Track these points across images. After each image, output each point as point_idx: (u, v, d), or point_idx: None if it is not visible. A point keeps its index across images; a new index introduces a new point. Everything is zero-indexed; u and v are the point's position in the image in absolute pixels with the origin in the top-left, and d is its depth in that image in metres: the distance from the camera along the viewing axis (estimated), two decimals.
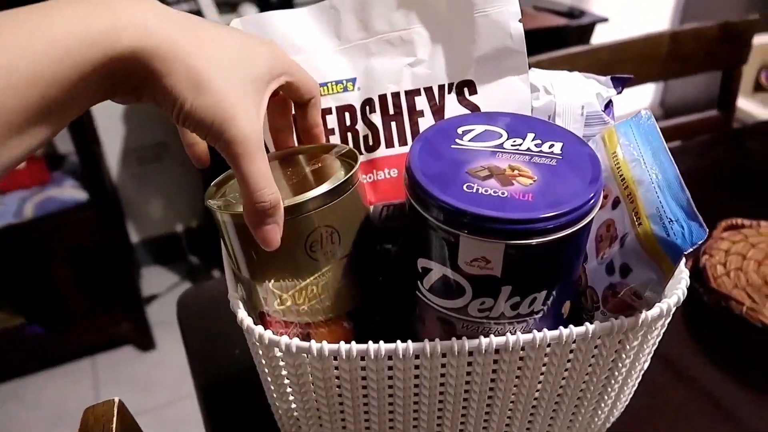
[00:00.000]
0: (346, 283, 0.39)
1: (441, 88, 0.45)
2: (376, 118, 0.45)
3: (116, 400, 0.43)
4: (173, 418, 1.47)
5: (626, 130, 0.42)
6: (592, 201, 0.34)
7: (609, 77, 0.47)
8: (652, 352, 0.43)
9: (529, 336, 0.36)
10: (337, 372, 0.38)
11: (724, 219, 0.76)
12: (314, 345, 0.36)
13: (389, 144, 0.45)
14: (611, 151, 0.42)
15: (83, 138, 1.42)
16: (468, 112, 0.44)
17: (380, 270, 0.43)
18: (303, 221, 0.36)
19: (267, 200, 0.32)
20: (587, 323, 0.37)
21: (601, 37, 1.67)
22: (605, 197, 0.40)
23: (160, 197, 1.93)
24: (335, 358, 0.37)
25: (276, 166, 0.42)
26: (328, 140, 0.44)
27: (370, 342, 0.36)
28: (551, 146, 0.38)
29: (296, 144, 0.44)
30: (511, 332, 0.37)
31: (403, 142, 0.45)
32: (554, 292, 0.37)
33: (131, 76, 0.29)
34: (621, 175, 0.40)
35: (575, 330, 0.37)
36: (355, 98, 0.45)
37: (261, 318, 0.40)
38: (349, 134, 0.45)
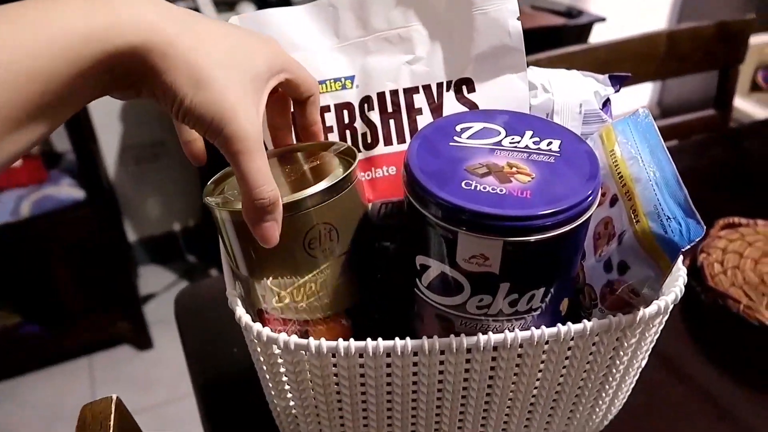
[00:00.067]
0: (344, 280, 0.39)
1: (439, 85, 0.45)
2: (375, 116, 0.45)
3: (114, 397, 0.42)
4: (171, 417, 1.47)
5: (624, 128, 0.42)
6: (590, 198, 0.34)
7: (607, 75, 0.47)
8: (650, 350, 0.43)
9: (527, 333, 0.36)
10: (336, 369, 0.38)
11: (721, 218, 0.76)
12: (312, 342, 0.36)
13: (388, 142, 0.45)
14: (609, 148, 0.42)
15: (80, 136, 1.41)
16: (466, 109, 0.45)
17: (378, 267, 0.43)
18: (301, 218, 0.36)
19: (266, 197, 0.32)
20: (585, 320, 0.37)
21: (598, 36, 1.67)
22: (603, 195, 0.40)
23: (157, 196, 1.92)
24: (333, 356, 0.37)
25: (275, 164, 0.42)
26: (326, 138, 0.44)
27: (369, 339, 0.36)
28: (549, 144, 0.38)
29: (295, 141, 0.44)
30: (509, 329, 0.37)
31: (401, 139, 0.45)
32: (552, 290, 0.37)
33: (131, 72, 0.29)
34: (619, 173, 0.40)
35: (573, 327, 0.37)
36: (353, 96, 0.45)
37: (259, 315, 0.40)
38: (348, 132, 0.45)
